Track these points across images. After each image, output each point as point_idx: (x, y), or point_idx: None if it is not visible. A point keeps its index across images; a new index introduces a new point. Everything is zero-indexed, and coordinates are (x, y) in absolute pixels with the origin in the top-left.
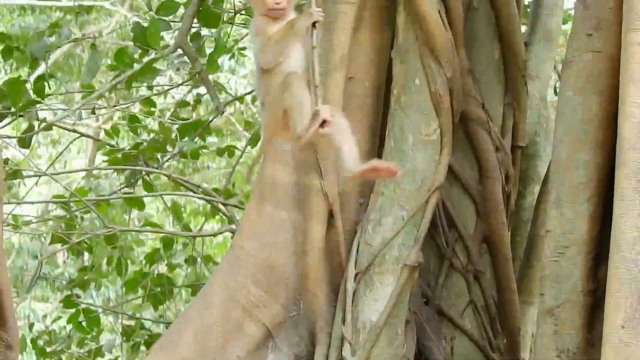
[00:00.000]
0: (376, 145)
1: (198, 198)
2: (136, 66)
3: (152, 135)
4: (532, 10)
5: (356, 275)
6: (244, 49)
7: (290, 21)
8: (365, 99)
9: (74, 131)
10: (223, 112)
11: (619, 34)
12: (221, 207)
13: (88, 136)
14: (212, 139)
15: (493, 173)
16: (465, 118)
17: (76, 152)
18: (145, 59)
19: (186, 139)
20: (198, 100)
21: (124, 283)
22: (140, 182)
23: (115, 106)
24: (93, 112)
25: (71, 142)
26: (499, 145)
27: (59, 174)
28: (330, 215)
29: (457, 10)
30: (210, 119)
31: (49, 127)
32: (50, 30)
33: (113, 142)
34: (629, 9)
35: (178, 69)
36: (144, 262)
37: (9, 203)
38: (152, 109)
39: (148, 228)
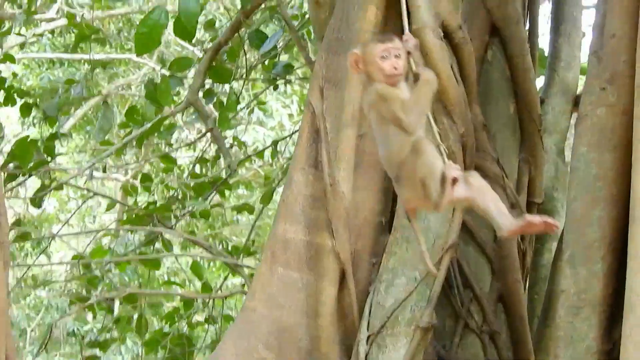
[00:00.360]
0: (389, 204)
1: (210, 259)
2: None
3: (171, 191)
4: (549, 63)
5: (369, 337)
6: (263, 103)
7: (425, 82)
8: (377, 156)
9: (88, 190)
10: (235, 170)
11: (633, 87)
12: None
13: (102, 195)
14: (241, 191)
15: None
16: (480, 174)
17: (106, 207)
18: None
19: (203, 196)
20: (217, 156)
21: (144, 343)
22: (160, 239)
23: (127, 164)
24: (104, 171)
25: (84, 202)
26: (515, 202)
27: (67, 235)
28: (343, 276)
29: (470, 65)
30: (225, 177)
31: (59, 187)
32: (66, 86)
33: (128, 200)
34: None
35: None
36: (164, 321)
37: (18, 265)
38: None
39: (161, 290)
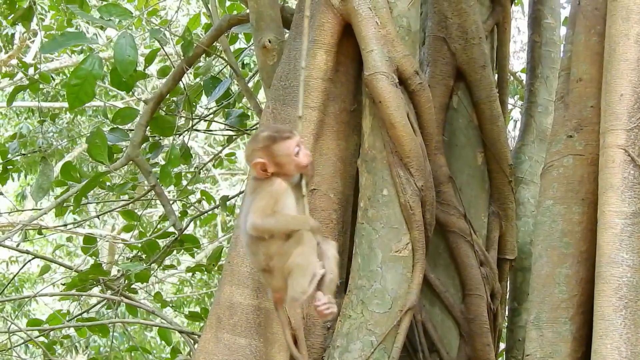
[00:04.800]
0: (345, 264)
1: (155, 325)
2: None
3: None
4: (525, 108)
5: None
6: (232, 154)
7: (302, 221)
8: (330, 213)
9: (27, 252)
10: (181, 230)
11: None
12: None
13: (41, 257)
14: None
15: (477, 290)
16: (445, 230)
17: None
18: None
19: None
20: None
21: None
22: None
23: (65, 225)
24: (39, 233)
25: (25, 264)
26: (483, 259)
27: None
28: (294, 342)
29: (429, 113)
30: (174, 237)
31: None
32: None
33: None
34: (607, 107)
35: None
36: None
37: None
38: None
39: None
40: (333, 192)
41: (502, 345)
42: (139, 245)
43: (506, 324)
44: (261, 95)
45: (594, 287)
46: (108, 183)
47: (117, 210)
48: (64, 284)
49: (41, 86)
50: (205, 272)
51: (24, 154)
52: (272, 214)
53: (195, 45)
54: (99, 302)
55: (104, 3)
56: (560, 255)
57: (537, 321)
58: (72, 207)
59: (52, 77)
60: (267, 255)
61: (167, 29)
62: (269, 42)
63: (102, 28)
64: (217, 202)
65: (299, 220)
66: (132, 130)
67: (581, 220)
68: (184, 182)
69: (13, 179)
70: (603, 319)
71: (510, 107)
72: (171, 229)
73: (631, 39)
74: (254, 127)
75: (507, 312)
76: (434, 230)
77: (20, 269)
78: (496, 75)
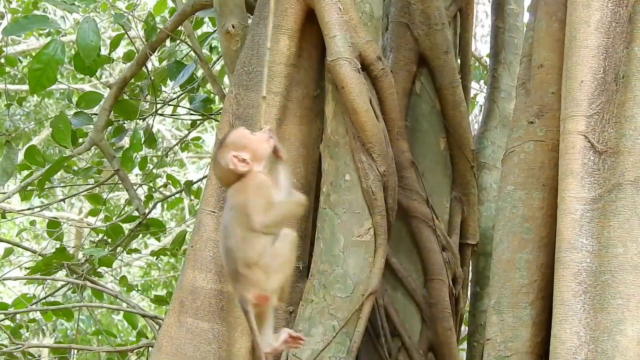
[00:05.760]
0: (307, 250)
1: (119, 309)
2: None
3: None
4: (488, 93)
5: None
6: (198, 138)
7: (295, 203)
8: None
9: None
10: (145, 214)
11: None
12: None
13: (4, 241)
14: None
15: (439, 275)
16: (408, 215)
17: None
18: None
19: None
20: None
21: None
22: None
23: (30, 208)
24: (3, 217)
25: None
26: (446, 244)
27: None
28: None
29: (391, 98)
30: (138, 222)
31: None
32: None
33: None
34: (567, 94)
35: None
36: None
37: None
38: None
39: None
40: (296, 177)
41: (465, 330)
42: (104, 229)
43: (468, 308)
44: (227, 80)
45: (554, 272)
46: (75, 167)
47: (82, 193)
48: (28, 268)
49: (8, 69)
50: (172, 256)
51: None
52: (270, 208)
53: (159, 30)
54: (63, 286)
55: None
56: (521, 241)
57: (497, 306)
58: (36, 191)
59: (19, 59)
60: (252, 254)
61: (132, 13)
62: (233, 27)
63: (69, 11)
64: (182, 186)
65: (291, 202)
66: (97, 114)
67: (541, 206)
68: (150, 166)
69: None
70: (563, 304)
71: (475, 92)
72: (136, 213)
73: (591, 26)
74: (219, 112)
75: (469, 297)
76: (397, 216)
77: None
78: (459, 61)
